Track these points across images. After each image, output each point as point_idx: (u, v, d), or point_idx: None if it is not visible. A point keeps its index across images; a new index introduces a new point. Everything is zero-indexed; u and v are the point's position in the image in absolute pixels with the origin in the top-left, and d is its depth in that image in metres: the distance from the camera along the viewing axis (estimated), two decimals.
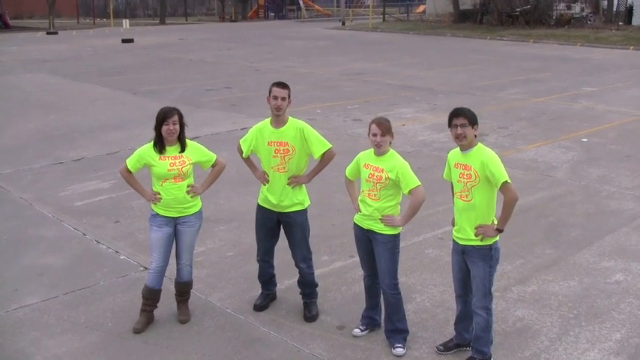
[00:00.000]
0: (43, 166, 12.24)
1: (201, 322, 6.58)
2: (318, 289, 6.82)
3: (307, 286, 6.73)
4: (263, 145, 6.44)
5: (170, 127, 6.11)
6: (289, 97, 6.37)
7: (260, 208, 6.67)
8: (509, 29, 44.57)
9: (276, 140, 6.39)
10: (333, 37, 43.23)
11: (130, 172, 6.36)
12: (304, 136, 6.42)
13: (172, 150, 6.25)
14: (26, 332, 6.40)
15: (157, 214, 6.34)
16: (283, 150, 6.39)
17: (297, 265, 6.70)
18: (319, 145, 6.47)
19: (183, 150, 6.30)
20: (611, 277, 7.61)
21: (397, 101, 19.03)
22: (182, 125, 6.23)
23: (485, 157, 5.45)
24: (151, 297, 6.45)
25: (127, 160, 6.38)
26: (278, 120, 6.39)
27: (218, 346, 6.16)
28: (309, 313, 6.66)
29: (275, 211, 6.55)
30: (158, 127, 6.17)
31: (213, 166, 6.58)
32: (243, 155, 6.68)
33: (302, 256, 6.66)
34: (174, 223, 6.38)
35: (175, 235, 6.43)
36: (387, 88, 21.57)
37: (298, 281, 6.78)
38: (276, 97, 6.27)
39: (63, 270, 7.82)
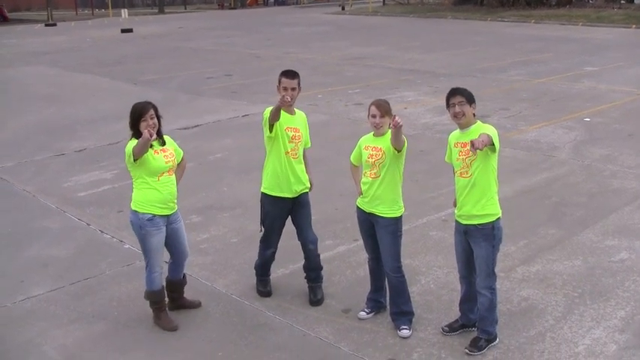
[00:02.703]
0: (45, 158, 12.25)
1: (206, 309, 6.60)
2: (322, 272, 6.83)
3: (313, 270, 6.74)
4: (281, 130, 6.41)
5: (149, 123, 5.88)
6: (299, 85, 6.43)
7: (275, 199, 6.54)
8: (510, 10, 44.41)
9: (293, 126, 6.45)
10: (333, 22, 43.11)
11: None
12: (306, 125, 6.66)
13: (157, 144, 6.05)
14: (34, 323, 6.43)
15: (154, 216, 6.03)
16: (297, 136, 6.48)
17: (306, 247, 6.68)
18: (308, 136, 6.71)
19: (164, 143, 6.14)
20: (615, 255, 7.62)
21: (399, 85, 19.00)
22: (158, 118, 6.02)
23: (483, 129, 5.46)
24: (163, 296, 6.33)
25: (127, 163, 6.02)
26: (290, 108, 6.44)
27: (224, 332, 6.18)
28: (315, 297, 6.68)
29: (291, 198, 6.54)
30: (135, 125, 5.93)
31: (179, 162, 6.37)
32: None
33: (313, 236, 6.69)
34: (166, 222, 6.15)
35: (170, 235, 6.20)
36: (388, 71, 21.52)
37: (304, 265, 6.79)
38: (286, 89, 6.30)
39: (68, 260, 7.84)
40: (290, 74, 6.35)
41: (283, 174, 6.45)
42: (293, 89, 6.31)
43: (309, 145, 6.74)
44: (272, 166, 6.49)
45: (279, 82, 6.35)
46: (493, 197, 5.62)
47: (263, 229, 6.74)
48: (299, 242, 6.75)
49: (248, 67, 23.21)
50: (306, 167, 6.69)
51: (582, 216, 8.83)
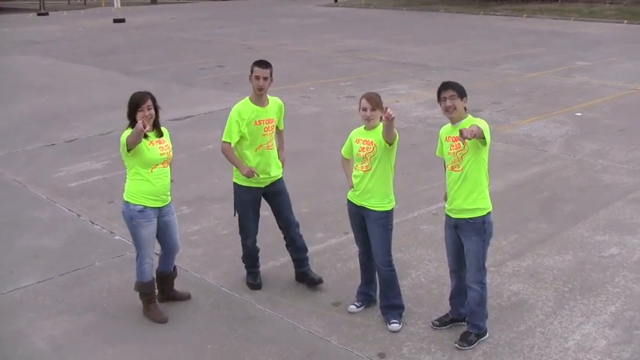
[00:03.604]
0: (36, 148, 12.19)
1: (196, 301, 6.58)
2: (313, 264, 6.87)
3: (301, 251, 6.83)
4: (250, 126, 6.43)
5: (145, 113, 5.83)
6: (271, 75, 6.44)
7: (246, 189, 6.60)
8: (503, 4, 44.39)
9: (265, 118, 6.47)
10: (326, 15, 43.01)
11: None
12: (282, 111, 6.73)
13: (152, 135, 6.02)
14: (22, 314, 6.40)
15: (145, 208, 6.00)
16: (271, 127, 6.54)
17: (289, 229, 6.78)
18: (282, 120, 6.81)
19: (161, 134, 6.10)
20: (605, 250, 7.63)
21: (391, 78, 18.97)
22: (156, 109, 6.00)
23: (474, 122, 5.44)
24: (153, 288, 6.33)
25: (121, 152, 5.99)
26: (262, 99, 6.48)
27: (214, 324, 6.17)
28: (314, 278, 6.78)
29: (262, 187, 6.61)
30: (132, 114, 5.88)
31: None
32: (233, 144, 6.48)
33: (295, 221, 6.78)
34: (158, 214, 6.13)
35: (162, 227, 6.19)
36: (380, 64, 21.48)
37: (291, 250, 6.88)
38: (258, 77, 6.35)
39: (58, 251, 7.81)
40: (262, 64, 6.42)
41: (258, 166, 6.50)
42: (265, 78, 6.35)
43: (282, 128, 6.80)
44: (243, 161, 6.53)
45: (252, 71, 6.40)
46: (484, 191, 5.61)
47: (237, 215, 6.80)
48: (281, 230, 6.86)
49: (241, 59, 23.08)
50: (279, 148, 6.77)
51: (573, 211, 8.84)
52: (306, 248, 6.88)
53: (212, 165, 10.85)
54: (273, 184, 6.65)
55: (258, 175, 6.42)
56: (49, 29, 35.38)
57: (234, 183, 6.69)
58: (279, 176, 6.71)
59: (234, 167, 6.59)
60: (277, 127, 6.71)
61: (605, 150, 11.54)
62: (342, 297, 6.57)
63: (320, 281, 6.77)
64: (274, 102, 6.63)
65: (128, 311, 6.39)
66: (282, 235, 6.93)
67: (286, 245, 6.90)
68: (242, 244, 6.87)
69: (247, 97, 6.54)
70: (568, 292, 6.68)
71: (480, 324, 5.77)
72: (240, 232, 6.82)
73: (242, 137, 6.44)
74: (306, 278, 6.83)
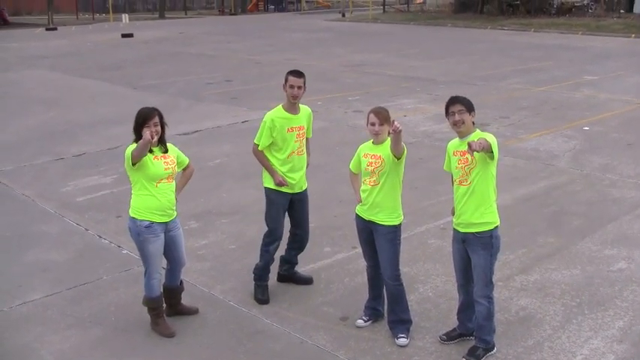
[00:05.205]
0: (44, 162, 12.23)
1: (204, 315, 6.58)
2: (320, 278, 6.95)
3: (297, 256, 7.14)
4: (283, 133, 6.65)
5: (152, 129, 5.83)
6: (304, 84, 6.69)
7: (279, 193, 6.76)
8: (510, 19, 44.49)
9: (297, 125, 6.72)
10: (334, 29, 43.15)
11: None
12: (310, 119, 6.94)
13: (157, 150, 6.04)
14: (31, 327, 6.42)
15: (152, 223, 6.00)
16: (302, 133, 6.78)
17: (304, 239, 7.04)
18: (311, 128, 7.02)
19: (167, 150, 6.12)
20: (613, 265, 7.61)
21: (398, 92, 19.00)
22: (162, 126, 6.01)
23: (482, 136, 5.46)
24: (161, 303, 6.33)
25: (126, 167, 6.02)
26: (295, 106, 6.72)
27: (221, 339, 6.17)
28: (308, 277, 7.21)
29: (291, 193, 6.78)
30: (138, 129, 5.88)
31: (184, 168, 6.39)
32: (260, 148, 6.74)
33: (308, 229, 7.07)
34: (165, 229, 6.13)
35: (168, 242, 6.18)
36: (387, 79, 21.53)
37: (293, 254, 7.12)
38: (292, 87, 6.61)
39: (66, 265, 7.83)
40: (297, 73, 6.70)
41: (286, 177, 6.69)
42: (299, 87, 6.61)
43: (310, 136, 6.99)
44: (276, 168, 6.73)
45: (286, 80, 6.65)
46: (492, 205, 5.62)
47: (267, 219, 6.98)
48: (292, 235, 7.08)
49: (248, 73, 23.20)
50: (307, 152, 6.97)
51: (581, 225, 8.82)
52: None
53: (220, 180, 10.89)
54: (302, 192, 6.88)
55: (287, 185, 6.66)
56: (58, 44, 35.60)
57: (266, 187, 6.83)
58: (306, 186, 6.93)
59: (264, 172, 6.78)
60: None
61: (613, 164, 11.52)
62: (350, 311, 6.57)
63: (312, 280, 7.17)
64: (304, 110, 6.85)
65: (136, 325, 6.40)
66: (290, 238, 7.10)
67: (290, 248, 7.10)
68: (263, 252, 6.89)
69: (280, 105, 6.75)
70: (576, 307, 6.65)
71: (487, 338, 5.76)
72: (268, 237, 6.87)
73: (274, 143, 6.67)
74: (300, 279, 7.17)
